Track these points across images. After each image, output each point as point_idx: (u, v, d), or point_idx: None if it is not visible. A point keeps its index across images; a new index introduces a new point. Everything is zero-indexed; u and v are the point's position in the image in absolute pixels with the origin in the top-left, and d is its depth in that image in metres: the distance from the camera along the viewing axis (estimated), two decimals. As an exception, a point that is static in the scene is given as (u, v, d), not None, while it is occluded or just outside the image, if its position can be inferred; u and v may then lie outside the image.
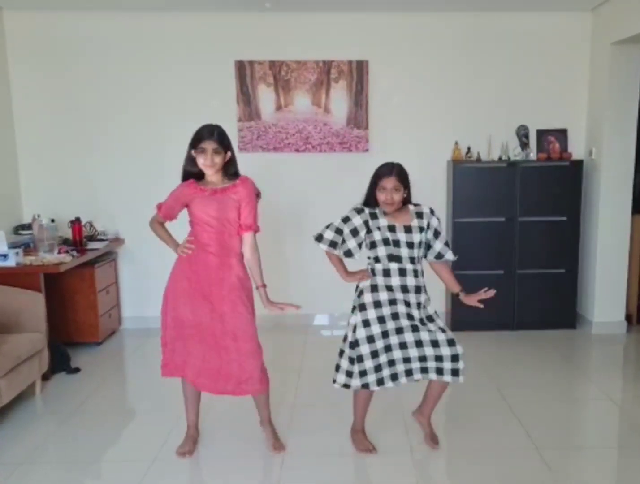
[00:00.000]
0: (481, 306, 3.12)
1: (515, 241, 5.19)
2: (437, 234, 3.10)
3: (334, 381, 3.16)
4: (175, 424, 3.56)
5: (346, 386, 3.11)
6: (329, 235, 3.08)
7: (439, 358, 3.00)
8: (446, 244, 3.13)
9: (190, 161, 3.03)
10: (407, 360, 3.02)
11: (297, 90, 5.26)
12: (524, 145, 5.25)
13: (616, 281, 5.19)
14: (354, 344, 3.03)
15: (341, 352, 3.16)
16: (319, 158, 5.36)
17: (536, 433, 3.40)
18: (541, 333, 5.22)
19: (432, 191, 5.35)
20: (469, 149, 5.25)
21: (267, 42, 5.20)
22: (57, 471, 3.14)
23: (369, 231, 3.02)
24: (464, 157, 5.23)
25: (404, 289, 3.01)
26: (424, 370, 3.03)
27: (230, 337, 3.03)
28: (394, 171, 3.01)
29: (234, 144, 5.21)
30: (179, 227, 3.27)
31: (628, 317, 5.35)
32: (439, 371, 3.02)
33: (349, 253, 3.05)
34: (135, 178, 5.35)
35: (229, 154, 3.02)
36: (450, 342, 3.00)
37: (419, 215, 3.07)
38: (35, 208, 5.21)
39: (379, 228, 3.00)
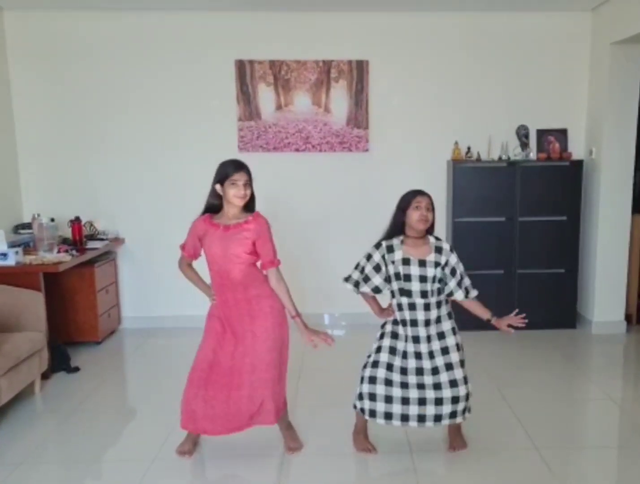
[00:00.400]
0: (511, 331, 3.20)
1: (515, 241, 5.19)
2: (453, 272, 3.08)
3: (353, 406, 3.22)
4: (175, 424, 3.56)
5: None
6: (355, 275, 3.13)
7: (438, 401, 3.00)
8: (459, 284, 3.10)
9: (215, 195, 3.04)
10: (405, 400, 3.02)
11: (297, 90, 5.25)
12: (524, 145, 5.25)
13: (616, 281, 5.19)
14: (363, 367, 3.14)
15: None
16: (319, 158, 5.36)
17: (536, 433, 3.41)
18: (541, 333, 5.21)
19: (431, 190, 5.23)
20: (469, 148, 5.25)
21: (267, 41, 5.20)
22: (56, 471, 3.14)
23: (386, 265, 3.05)
24: (464, 157, 5.22)
25: (413, 323, 3.04)
26: (421, 416, 3.02)
27: (247, 370, 3.05)
28: (426, 193, 3.09)
29: (234, 143, 5.26)
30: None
31: (628, 317, 5.35)
32: (437, 418, 3.02)
33: (376, 290, 3.09)
34: (135, 178, 5.35)
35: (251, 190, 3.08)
36: (452, 383, 3.01)
37: (438, 250, 3.06)
38: (35, 207, 5.21)
39: (393, 262, 3.03)
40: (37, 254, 4.48)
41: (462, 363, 3.07)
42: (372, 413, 3.07)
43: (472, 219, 5.18)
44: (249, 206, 3.09)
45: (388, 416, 3.03)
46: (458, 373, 3.03)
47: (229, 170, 2.98)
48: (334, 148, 5.33)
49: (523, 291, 5.25)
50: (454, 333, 3.09)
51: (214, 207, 3.08)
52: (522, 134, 5.26)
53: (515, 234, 5.17)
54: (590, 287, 5.30)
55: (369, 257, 3.09)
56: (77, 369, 4.47)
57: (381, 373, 3.03)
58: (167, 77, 5.23)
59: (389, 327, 3.11)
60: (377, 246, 3.09)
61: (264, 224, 3.06)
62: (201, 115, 5.27)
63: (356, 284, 3.12)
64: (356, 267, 3.14)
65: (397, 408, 3.02)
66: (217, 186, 3.00)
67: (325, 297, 5.42)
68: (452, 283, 3.07)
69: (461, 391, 3.02)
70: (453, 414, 3.03)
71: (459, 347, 3.09)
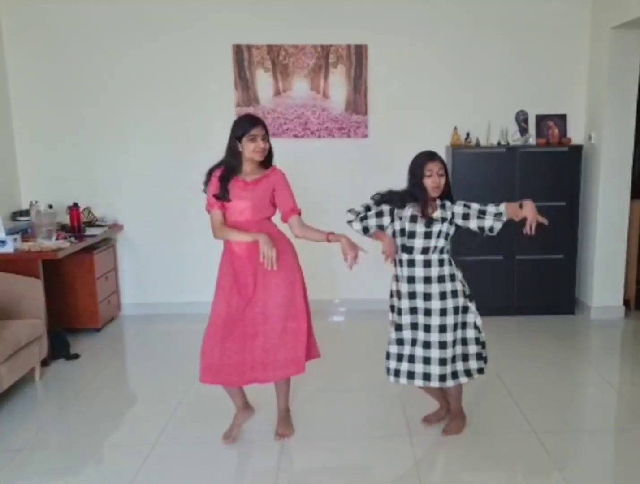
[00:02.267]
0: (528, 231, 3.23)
1: (514, 226, 5.15)
2: (465, 216, 3.04)
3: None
4: (175, 410, 3.58)
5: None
6: (359, 208, 3.18)
7: (426, 360, 3.03)
8: (482, 212, 3.06)
9: (232, 153, 3.04)
10: (400, 357, 3.08)
11: (295, 75, 5.22)
12: (523, 130, 5.23)
13: (615, 266, 5.20)
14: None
15: None
16: (317, 144, 5.34)
17: (534, 417, 3.42)
18: (540, 318, 5.23)
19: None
20: (468, 134, 5.23)
21: (265, 26, 5.16)
22: (57, 457, 3.16)
23: (392, 220, 3.05)
24: (463, 143, 5.21)
25: (410, 279, 3.03)
26: (411, 373, 3.06)
27: (259, 322, 3.07)
28: (437, 156, 3.04)
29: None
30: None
31: (626, 303, 5.35)
32: (426, 378, 3.05)
33: (365, 230, 3.12)
34: (133, 164, 5.33)
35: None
36: (442, 345, 3.01)
37: (442, 206, 3.06)
38: (33, 194, 5.19)
39: (400, 218, 3.03)
40: (36, 241, 4.47)
41: (455, 327, 3.03)
42: (388, 371, 3.15)
43: (471, 205, 5.16)
44: (267, 162, 3.11)
45: (397, 373, 3.10)
46: (449, 336, 3.01)
47: (246, 126, 3.01)
48: (333, 134, 5.31)
49: (522, 277, 5.25)
50: (455, 296, 3.04)
51: (231, 167, 3.05)
52: (522, 120, 5.24)
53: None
54: (589, 273, 5.30)
55: (378, 203, 3.12)
56: (77, 355, 4.48)
57: (392, 333, 3.11)
58: (165, 63, 5.19)
59: (393, 286, 3.15)
60: (391, 200, 3.09)
61: (281, 175, 3.11)
62: (199, 101, 5.24)
63: (357, 216, 3.15)
64: (364, 211, 3.14)
65: (404, 365, 3.07)
66: (238, 143, 3.00)
67: (326, 284, 5.42)
68: (472, 224, 3.03)
69: (448, 353, 3.01)
70: (442, 378, 3.03)
71: (456, 310, 3.04)
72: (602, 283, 5.21)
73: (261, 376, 3.11)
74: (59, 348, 4.44)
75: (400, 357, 3.08)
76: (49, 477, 2.98)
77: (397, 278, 3.12)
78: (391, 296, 3.18)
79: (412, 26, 5.20)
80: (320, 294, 5.50)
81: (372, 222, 3.09)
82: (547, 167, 5.12)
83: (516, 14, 5.19)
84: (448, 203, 3.08)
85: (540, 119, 5.26)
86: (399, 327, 3.08)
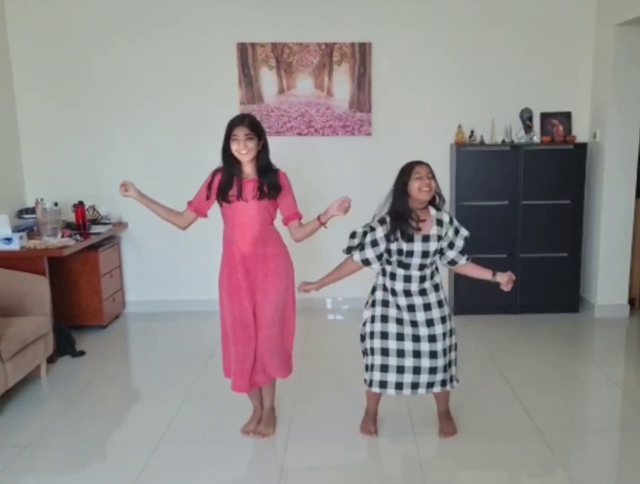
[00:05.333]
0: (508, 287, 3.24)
1: (519, 225, 5.18)
2: (451, 245, 3.10)
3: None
4: (180, 407, 3.59)
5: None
6: (353, 242, 3.09)
7: (432, 370, 3.04)
8: (462, 252, 3.14)
9: (225, 155, 3.04)
10: (400, 369, 3.06)
11: (299, 73, 5.22)
12: (528, 128, 5.22)
13: (619, 265, 5.19)
14: (362, 338, 3.16)
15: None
16: (321, 142, 5.34)
17: (539, 416, 3.42)
18: (544, 317, 5.23)
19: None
20: (472, 132, 5.22)
21: (269, 24, 5.16)
22: (62, 453, 3.18)
23: (388, 241, 3.00)
24: (467, 141, 5.20)
25: (407, 293, 3.04)
26: (415, 384, 3.06)
27: (257, 326, 3.11)
28: (424, 162, 3.04)
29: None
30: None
31: (631, 301, 5.35)
32: (430, 385, 3.07)
33: (366, 262, 3.05)
34: (137, 162, 5.34)
35: (262, 141, 3.06)
36: (444, 353, 3.04)
37: (439, 222, 3.05)
38: (38, 192, 5.21)
39: (397, 239, 2.98)
40: (41, 238, 4.49)
41: (444, 336, 3.06)
42: (371, 383, 3.10)
43: (475, 203, 5.17)
44: (261, 161, 3.06)
45: (383, 384, 3.08)
46: (439, 345, 3.04)
47: (229, 126, 3.00)
48: (337, 132, 5.31)
49: (526, 275, 5.24)
50: (440, 306, 3.08)
51: (229, 170, 3.03)
52: (526, 117, 5.23)
53: (519, 217, 5.16)
54: (593, 271, 5.30)
55: (371, 229, 3.03)
56: (82, 353, 4.49)
57: (377, 343, 3.06)
58: (169, 61, 5.20)
59: (379, 295, 3.09)
60: (382, 221, 3.02)
61: (283, 179, 3.10)
62: (204, 99, 5.25)
63: (348, 250, 3.10)
64: (353, 236, 3.09)
65: (392, 377, 3.06)
66: (228, 144, 3.00)
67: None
68: (451, 253, 3.11)
69: (439, 362, 3.03)
70: (444, 383, 3.07)
71: (444, 319, 3.08)
72: (607, 281, 5.20)
73: (261, 380, 3.17)
74: (64, 345, 4.45)
75: (400, 370, 3.06)
76: (54, 473, 2.99)
77: (393, 292, 3.06)
78: (373, 305, 3.12)
79: (416, 24, 5.20)
80: (322, 292, 5.53)
81: (370, 254, 3.02)
82: (552, 165, 5.11)
83: (521, 12, 5.18)
84: (445, 220, 3.06)
85: (545, 116, 5.25)
86: (384, 336, 3.05)
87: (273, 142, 5.22)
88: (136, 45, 5.18)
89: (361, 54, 5.18)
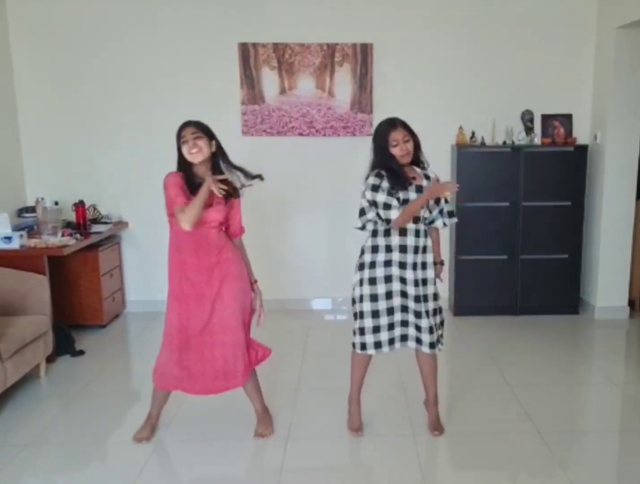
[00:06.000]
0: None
1: (519, 226, 5.18)
2: (437, 201, 3.10)
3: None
4: (179, 407, 3.59)
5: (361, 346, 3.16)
6: (370, 215, 3.04)
7: (417, 328, 3.07)
8: (441, 212, 3.14)
9: (180, 163, 3.04)
10: (391, 326, 3.08)
11: (301, 73, 5.22)
12: (529, 130, 5.22)
13: (620, 266, 5.19)
14: (353, 302, 3.15)
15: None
16: (322, 142, 5.34)
17: (538, 417, 3.42)
18: (544, 318, 5.23)
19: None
20: (473, 133, 5.22)
21: (271, 24, 5.16)
22: (62, 453, 3.17)
23: (390, 194, 2.98)
24: (468, 142, 5.20)
25: (402, 249, 3.03)
26: (404, 336, 3.10)
27: (217, 331, 3.07)
28: (398, 123, 3.08)
29: (238, 127, 5.24)
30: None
31: (631, 303, 5.35)
32: (418, 341, 3.09)
33: (403, 202, 2.98)
34: (138, 162, 5.34)
35: (214, 143, 3.01)
36: (428, 314, 3.05)
37: (427, 177, 3.09)
38: (38, 191, 5.21)
39: (396, 191, 2.99)
40: (41, 237, 4.49)
41: (436, 297, 3.10)
42: (364, 346, 3.11)
43: (475, 204, 5.16)
44: (216, 164, 3.03)
45: (377, 345, 3.10)
46: (433, 305, 3.08)
47: (178, 132, 2.99)
48: (338, 132, 5.31)
49: (526, 276, 5.25)
50: (431, 267, 3.10)
51: (186, 172, 3.01)
52: (527, 119, 5.23)
53: (519, 219, 5.16)
54: (593, 273, 5.29)
55: (375, 188, 2.99)
56: (81, 352, 4.49)
57: (367, 306, 3.07)
58: (170, 61, 5.19)
59: (367, 257, 3.08)
60: (378, 175, 3.02)
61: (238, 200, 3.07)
62: (205, 99, 5.25)
63: (375, 223, 3.04)
64: (362, 214, 3.05)
65: (384, 335, 3.08)
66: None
67: (328, 282, 5.43)
68: (435, 212, 3.12)
69: (431, 321, 3.05)
70: (432, 345, 3.07)
71: (433, 281, 3.11)
72: (607, 283, 5.20)
73: (224, 385, 3.12)
74: (64, 345, 4.45)
75: (391, 327, 3.08)
76: (54, 473, 2.99)
77: (388, 248, 3.02)
78: (361, 268, 3.09)
79: (417, 25, 5.20)
80: (324, 293, 5.54)
81: (380, 198, 2.96)
82: (553, 167, 5.11)
83: (522, 14, 5.18)
84: (432, 176, 3.10)
85: (546, 118, 5.25)
86: (374, 298, 3.05)
87: (274, 142, 5.32)
88: (137, 46, 5.18)
89: (363, 55, 5.18)
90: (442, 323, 3.22)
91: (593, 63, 5.24)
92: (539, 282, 5.27)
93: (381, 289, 3.05)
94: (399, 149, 2.99)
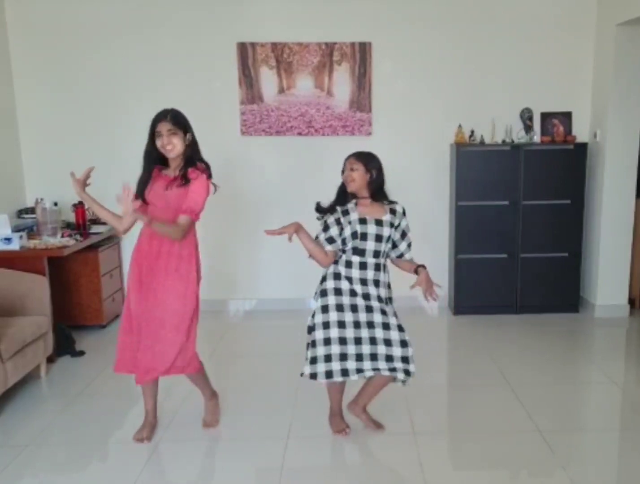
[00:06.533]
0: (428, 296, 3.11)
1: (519, 225, 5.18)
2: (404, 235, 3.16)
3: (301, 374, 3.17)
4: (180, 407, 3.59)
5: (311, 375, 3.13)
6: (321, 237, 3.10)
7: (389, 358, 3.03)
8: (409, 245, 3.19)
9: (149, 154, 3.04)
10: (359, 357, 3.04)
11: (299, 72, 5.22)
12: (528, 128, 5.22)
13: (619, 265, 5.19)
14: (311, 329, 3.12)
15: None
16: (321, 142, 5.34)
17: (539, 415, 3.42)
18: (544, 317, 5.23)
19: (435, 174, 5.35)
20: (472, 132, 5.22)
21: (269, 23, 5.16)
22: (62, 453, 3.17)
23: (342, 228, 3.03)
24: (467, 141, 5.20)
25: (363, 282, 3.05)
26: (375, 369, 3.05)
27: (156, 324, 3.05)
28: (355, 153, 3.18)
29: (237, 127, 5.23)
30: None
31: (631, 301, 5.35)
32: (392, 370, 3.04)
33: (330, 240, 3.05)
34: (137, 162, 5.31)
35: (189, 136, 3.00)
36: (403, 344, 3.03)
37: (392, 211, 3.11)
38: (38, 192, 5.21)
39: (350, 222, 3.03)
40: (41, 238, 4.49)
41: (400, 328, 3.06)
42: (329, 374, 3.06)
43: (475, 203, 5.16)
44: (188, 156, 3.00)
45: (345, 372, 3.05)
46: (404, 335, 3.04)
47: (153, 122, 2.96)
48: (337, 132, 5.31)
49: (526, 275, 5.25)
50: (391, 302, 3.14)
51: (146, 169, 3.05)
52: (526, 117, 5.23)
53: (519, 217, 5.16)
54: (593, 271, 5.29)
55: (323, 222, 3.08)
56: (82, 352, 4.49)
57: (334, 332, 3.04)
58: (170, 61, 5.19)
59: (330, 284, 3.08)
60: (332, 210, 3.08)
61: (201, 177, 2.98)
62: (203, 99, 5.24)
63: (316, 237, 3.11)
64: (316, 237, 3.10)
65: (351, 364, 3.04)
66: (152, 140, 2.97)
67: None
68: (402, 246, 3.15)
69: (410, 351, 3.02)
70: (407, 372, 3.04)
71: (395, 314, 3.10)
72: (607, 281, 5.20)
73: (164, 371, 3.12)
74: (64, 345, 4.45)
75: (329, 358, 3.05)
76: (54, 473, 2.99)
77: (350, 281, 3.05)
78: (324, 295, 3.10)
79: (416, 24, 5.19)
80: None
81: (321, 238, 3.07)
82: (552, 165, 5.11)
83: (521, 12, 5.18)
84: (399, 210, 3.13)
85: (545, 116, 5.25)
86: (341, 325, 3.04)
87: (273, 142, 5.31)
88: (136, 46, 5.18)
89: (361, 54, 5.18)
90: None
91: (592, 61, 5.23)
92: (539, 280, 5.27)
93: (348, 317, 3.05)
94: (345, 175, 3.12)
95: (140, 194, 3.04)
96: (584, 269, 5.37)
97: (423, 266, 3.12)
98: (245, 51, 5.15)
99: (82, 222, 4.98)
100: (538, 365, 4.21)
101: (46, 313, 4.09)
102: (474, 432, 3.27)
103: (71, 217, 5.07)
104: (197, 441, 3.22)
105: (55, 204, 4.85)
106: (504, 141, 5.18)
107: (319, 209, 3.12)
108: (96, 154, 5.31)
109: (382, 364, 3.03)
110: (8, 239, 4.25)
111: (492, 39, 5.22)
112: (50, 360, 4.22)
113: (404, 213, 3.15)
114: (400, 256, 3.17)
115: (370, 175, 3.08)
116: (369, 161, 3.11)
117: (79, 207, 4.99)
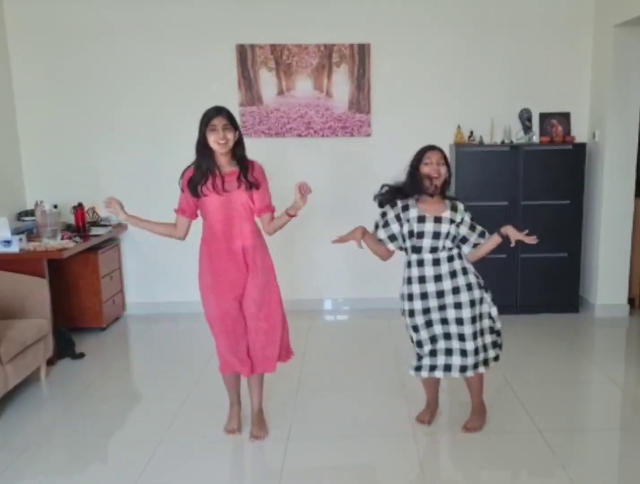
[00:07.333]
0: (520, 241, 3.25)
1: (518, 225, 5.14)
2: (472, 228, 3.17)
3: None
4: (180, 408, 3.59)
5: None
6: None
7: (448, 352, 3.08)
8: (481, 234, 3.21)
9: (202, 146, 3.03)
10: (433, 352, 3.09)
11: (298, 74, 5.23)
12: (527, 128, 5.22)
13: (619, 264, 5.19)
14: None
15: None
16: (321, 143, 5.34)
17: (539, 416, 3.42)
18: (544, 317, 5.23)
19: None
20: (471, 132, 5.22)
21: (268, 25, 5.16)
22: (63, 455, 3.18)
23: (401, 224, 3.07)
24: (466, 141, 5.20)
25: (421, 279, 3.06)
26: (447, 368, 3.10)
27: (249, 317, 3.15)
28: (437, 147, 3.11)
29: (236, 129, 5.24)
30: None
31: (631, 301, 5.35)
32: (447, 368, 3.09)
33: (393, 237, 3.10)
34: (137, 164, 5.34)
35: (237, 133, 3.05)
36: (461, 337, 3.04)
37: (454, 207, 3.11)
38: (37, 194, 5.21)
39: (408, 220, 3.05)
40: (41, 240, 4.49)
41: (473, 320, 3.04)
42: (433, 368, 3.11)
43: (474, 203, 5.11)
44: (237, 152, 3.06)
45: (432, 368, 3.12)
46: (467, 329, 3.02)
47: (207, 116, 3.00)
48: (336, 133, 5.31)
49: (526, 275, 5.24)
50: (469, 289, 3.07)
51: (202, 164, 3.03)
52: (525, 118, 5.23)
53: (518, 218, 5.15)
54: (593, 271, 5.30)
55: (383, 214, 3.12)
56: (82, 355, 4.49)
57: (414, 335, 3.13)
58: (169, 63, 5.20)
59: (405, 289, 3.12)
60: (393, 204, 3.09)
61: (258, 170, 3.09)
62: (203, 101, 5.21)
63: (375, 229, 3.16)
64: (376, 227, 3.15)
65: (431, 360, 3.11)
66: (204, 136, 3.01)
67: (329, 283, 5.43)
68: (473, 238, 3.17)
69: (468, 345, 3.03)
70: (475, 365, 3.07)
71: (473, 303, 3.06)
72: (607, 281, 5.20)
73: (259, 368, 3.20)
74: (64, 347, 4.45)
75: (433, 352, 3.11)
76: (54, 475, 2.99)
77: (409, 280, 3.09)
78: (402, 299, 3.15)
79: (415, 25, 5.20)
80: (322, 294, 5.54)
81: (382, 234, 3.11)
82: (551, 166, 5.11)
83: (519, 12, 5.18)
84: (460, 206, 3.14)
85: (544, 117, 5.26)
86: (415, 329, 3.10)
87: (273, 143, 5.31)
88: (135, 48, 5.18)
89: (360, 56, 5.18)
90: (493, 343, 3.19)
91: (591, 61, 5.24)
92: (539, 280, 5.27)
93: (419, 320, 3.08)
94: (429, 169, 3.04)
95: (194, 187, 3.04)
96: (583, 269, 5.37)
97: (498, 232, 3.17)
98: (244, 53, 5.16)
99: (81, 224, 4.97)
100: (538, 365, 4.21)
101: (46, 316, 4.10)
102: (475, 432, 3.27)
103: (71, 219, 5.07)
104: (197, 443, 3.22)
105: (55, 206, 4.85)
106: (503, 142, 5.18)
107: (384, 194, 3.13)
108: (96, 156, 5.33)
109: (455, 360, 3.07)
110: (8, 242, 4.25)
111: (491, 40, 5.22)
112: (50, 362, 4.22)
113: (465, 210, 3.16)
114: (476, 245, 3.18)
115: (449, 171, 3.11)
116: (446, 157, 3.13)
117: (78, 209, 4.99)
